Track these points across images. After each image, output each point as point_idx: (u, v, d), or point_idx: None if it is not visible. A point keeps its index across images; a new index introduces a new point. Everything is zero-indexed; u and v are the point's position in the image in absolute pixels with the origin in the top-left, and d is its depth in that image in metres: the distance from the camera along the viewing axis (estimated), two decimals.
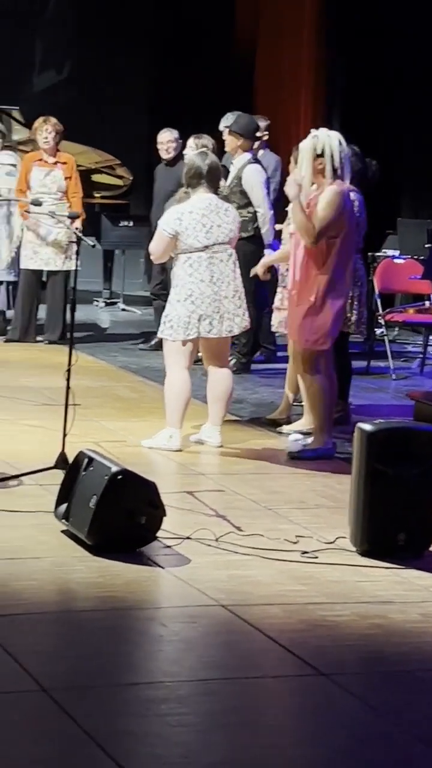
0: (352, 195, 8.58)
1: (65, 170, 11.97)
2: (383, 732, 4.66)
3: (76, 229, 8.44)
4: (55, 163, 11.96)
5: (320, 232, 7.98)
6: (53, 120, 12.02)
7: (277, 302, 9.68)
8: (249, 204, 10.88)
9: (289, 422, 9.11)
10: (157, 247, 8.30)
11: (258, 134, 11.33)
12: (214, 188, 8.50)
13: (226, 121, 11.09)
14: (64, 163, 11.99)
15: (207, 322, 8.23)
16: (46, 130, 11.97)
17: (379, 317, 12.01)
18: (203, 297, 8.22)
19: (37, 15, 15.68)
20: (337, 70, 14.84)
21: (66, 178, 11.94)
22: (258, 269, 9.51)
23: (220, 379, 8.52)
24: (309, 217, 7.98)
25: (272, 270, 10.27)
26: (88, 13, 15.66)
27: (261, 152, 11.53)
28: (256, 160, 11.10)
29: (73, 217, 8.70)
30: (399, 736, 4.63)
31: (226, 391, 8.52)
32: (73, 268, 11.59)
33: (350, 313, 9.12)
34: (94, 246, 9.10)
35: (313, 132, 8.23)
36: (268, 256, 9.95)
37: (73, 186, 11.98)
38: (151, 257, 8.62)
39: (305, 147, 8.11)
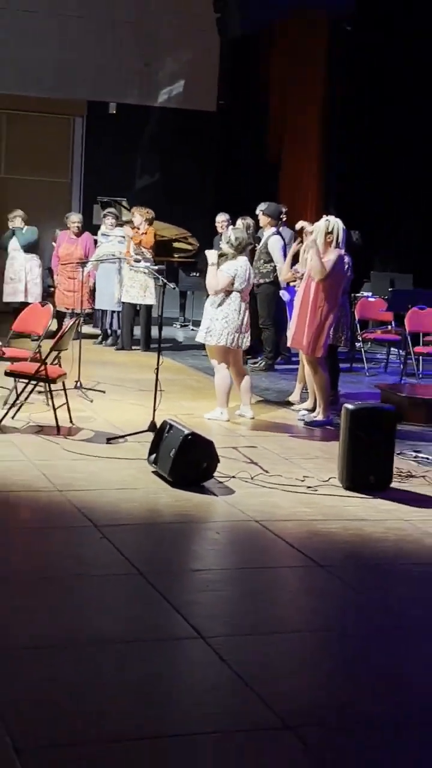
0: (346, 258, 8.62)
1: (147, 236, 11.98)
2: (360, 605, 4.71)
3: (161, 273, 8.45)
4: (141, 233, 11.96)
5: (328, 274, 8.05)
6: (140, 208, 12.06)
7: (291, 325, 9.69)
8: (271, 260, 10.93)
9: (298, 403, 9.12)
10: (220, 284, 8.23)
11: (281, 216, 11.35)
12: (248, 253, 8.63)
13: (261, 207, 11.10)
14: (145, 233, 11.97)
15: (232, 338, 8.27)
16: (133, 214, 12.08)
17: (358, 335, 11.99)
18: (232, 321, 8.24)
19: (136, 140, 15.76)
20: (334, 176, 14.79)
21: (144, 242, 11.95)
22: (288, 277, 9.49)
23: (244, 379, 8.60)
24: (322, 264, 8.06)
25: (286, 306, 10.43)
26: (172, 141, 15.70)
27: (282, 228, 11.52)
28: (278, 233, 11.11)
29: (160, 271, 8.71)
30: (370, 606, 4.66)
31: (248, 384, 8.55)
32: (153, 303, 11.83)
33: (341, 333, 9.15)
34: (174, 288, 9.08)
35: (326, 217, 8.34)
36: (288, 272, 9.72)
37: (146, 238, 11.94)
38: (212, 290, 8.42)
39: (320, 226, 8.18)
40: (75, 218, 12.66)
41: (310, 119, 14.96)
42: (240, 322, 8.29)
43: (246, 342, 8.45)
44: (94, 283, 12.52)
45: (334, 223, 8.19)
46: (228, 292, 8.26)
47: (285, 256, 11.01)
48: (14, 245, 12.50)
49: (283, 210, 11.61)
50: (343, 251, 8.26)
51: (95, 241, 12.73)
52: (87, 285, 12.11)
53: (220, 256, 8.35)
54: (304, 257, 8.62)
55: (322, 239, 8.11)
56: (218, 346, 8.32)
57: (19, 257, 12.47)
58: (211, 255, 8.39)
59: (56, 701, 3.54)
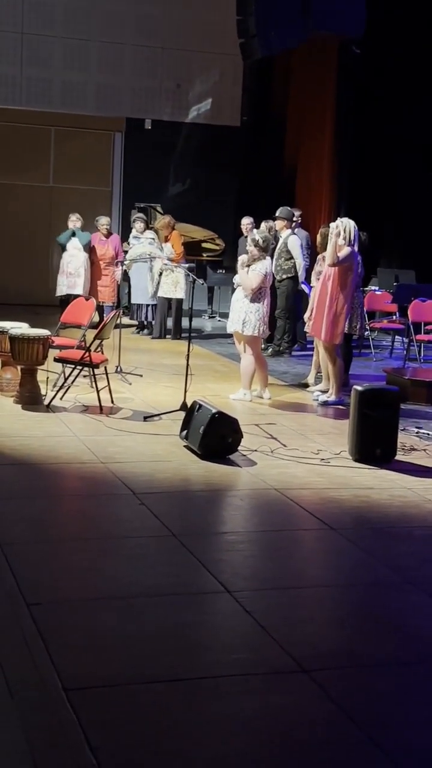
0: (358, 257, 8.56)
1: (171, 240, 11.94)
2: (367, 562, 4.67)
3: (192, 271, 8.41)
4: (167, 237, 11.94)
5: (338, 261, 8.00)
6: (166, 217, 12.07)
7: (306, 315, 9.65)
8: (291, 258, 10.86)
9: (312, 385, 9.09)
10: (254, 283, 8.12)
11: (294, 219, 11.29)
12: (270, 252, 8.57)
13: (278, 212, 11.06)
14: (170, 237, 11.94)
15: (262, 328, 8.24)
16: (160, 223, 12.06)
17: (367, 325, 11.94)
18: (263, 313, 8.22)
19: (169, 153, 15.68)
20: (344, 183, 14.69)
21: (173, 246, 11.92)
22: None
23: (264, 364, 8.57)
24: (335, 253, 8.02)
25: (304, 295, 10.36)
26: (201, 153, 15.61)
27: (297, 229, 11.46)
28: (294, 233, 11.08)
29: (191, 268, 8.67)
30: (376, 564, 4.64)
31: (266, 369, 8.57)
32: (183, 296, 11.81)
33: (355, 323, 9.10)
34: (203, 284, 9.08)
35: (339, 219, 8.29)
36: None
37: (174, 244, 11.91)
38: (247, 289, 8.26)
39: (334, 226, 8.15)
40: (104, 221, 12.55)
41: (323, 132, 14.88)
42: (266, 314, 8.29)
43: (266, 330, 8.43)
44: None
45: (347, 223, 8.14)
46: (260, 288, 8.23)
47: (303, 252, 11.00)
48: (76, 245, 12.30)
49: (295, 213, 11.55)
50: (356, 248, 8.20)
51: (127, 243, 12.73)
52: (115, 281, 12.21)
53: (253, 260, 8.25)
54: (321, 256, 8.61)
55: (336, 238, 8.07)
56: (252, 335, 8.30)
57: (79, 255, 12.30)
58: (240, 259, 8.38)
59: (99, 647, 3.56)
